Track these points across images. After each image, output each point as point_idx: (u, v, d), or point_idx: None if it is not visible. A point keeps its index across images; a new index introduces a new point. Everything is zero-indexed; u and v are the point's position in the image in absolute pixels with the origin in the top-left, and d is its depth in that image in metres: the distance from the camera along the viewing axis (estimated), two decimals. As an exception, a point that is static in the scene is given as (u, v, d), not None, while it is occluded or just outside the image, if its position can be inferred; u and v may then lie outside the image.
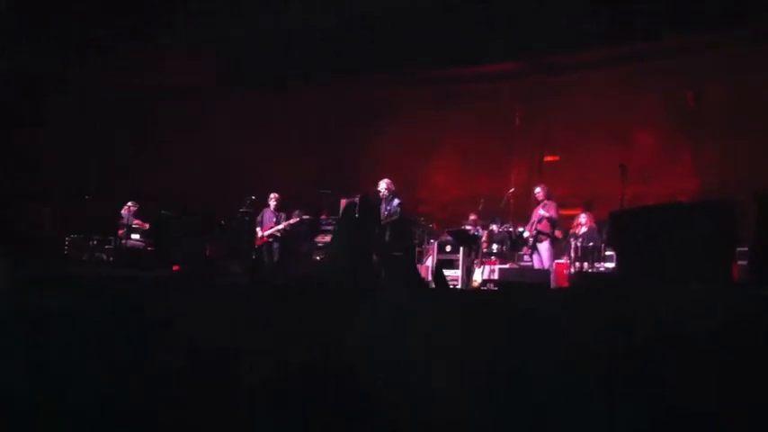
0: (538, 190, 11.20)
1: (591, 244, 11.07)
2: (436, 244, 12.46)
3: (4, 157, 13.12)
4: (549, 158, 13.84)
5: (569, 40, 13.36)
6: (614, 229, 7.93)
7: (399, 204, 10.93)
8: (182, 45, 14.81)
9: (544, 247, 10.80)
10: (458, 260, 11.95)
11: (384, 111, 15.33)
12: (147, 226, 12.53)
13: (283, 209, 12.59)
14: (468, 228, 12.32)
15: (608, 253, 10.82)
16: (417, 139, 15.35)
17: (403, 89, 15.49)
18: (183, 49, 14.92)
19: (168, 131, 15.05)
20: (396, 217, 10.90)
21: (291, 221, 12.36)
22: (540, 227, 10.86)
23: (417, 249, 12.73)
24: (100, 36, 13.74)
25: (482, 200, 12.44)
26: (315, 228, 13.26)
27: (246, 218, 12.98)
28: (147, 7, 13.43)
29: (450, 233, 12.20)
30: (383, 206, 10.96)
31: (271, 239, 12.39)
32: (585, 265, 10.86)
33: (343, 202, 13.48)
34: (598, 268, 10.71)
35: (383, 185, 11.15)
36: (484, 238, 12.04)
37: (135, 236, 12.49)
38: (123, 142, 14.69)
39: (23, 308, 5.40)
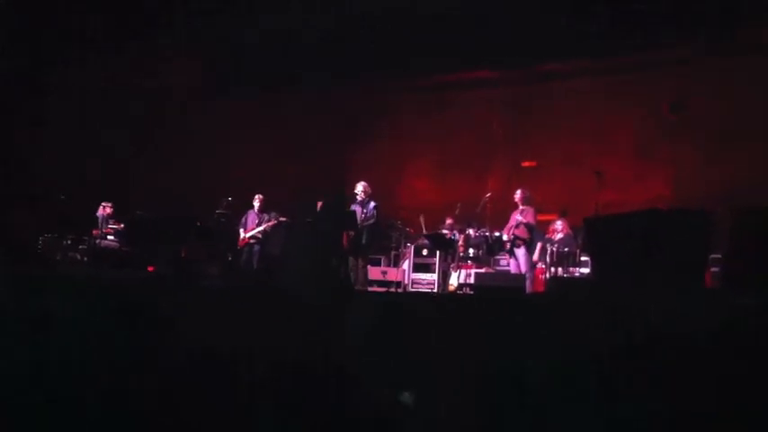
0: (517, 194, 11.24)
1: (566, 249, 11.16)
2: (413, 248, 12.49)
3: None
4: (526, 164, 13.90)
5: (548, 49, 13.44)
6: (589, 234, 7.99)
7: (375, 207, 10.95)
8: (178, 46, 14.70)
9: (521, 252, 10.85)
10: (434, 264, 12.00)
11: (363, 116, 15.35)
12: (121, 226, 12.41)
13: (266, 210, 12.48)
14: (444, 232, 12.35)
15: (583, 258, 10.90)
16: (396, 143, 15.40)
17: (382, 95, 15.51)
18: (179, 49, 14.81)
19: (163, 132, 14.91)
20: (372, 220, 10.94)
21: (272, 223, 12.30)
22: (517, 232, 10.91)
23: (394, 253, 12.75)
24: (97, 36, 13.61)
25: (459, 204, 12.47)
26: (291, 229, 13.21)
27: (222, 219, 12.93)
28: (146, 7, 13.32)
29: (426, 237, 12.24)
30: (360, 209, 10.97)
31: (253, 241, 12.29)
32: (561, 270, 10.94)
33: (320, 204, 13.52)
34: (573, 273, 10.79)
35: (360, 188, 11.18)
36: (460, 243, 12.07)
37: (110, 236, 12.36)
38: (120, 143, 14.54)
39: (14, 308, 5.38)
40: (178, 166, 14.67)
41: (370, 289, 11.05)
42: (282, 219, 12.44)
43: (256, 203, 12.47)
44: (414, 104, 15.38)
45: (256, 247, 12.30)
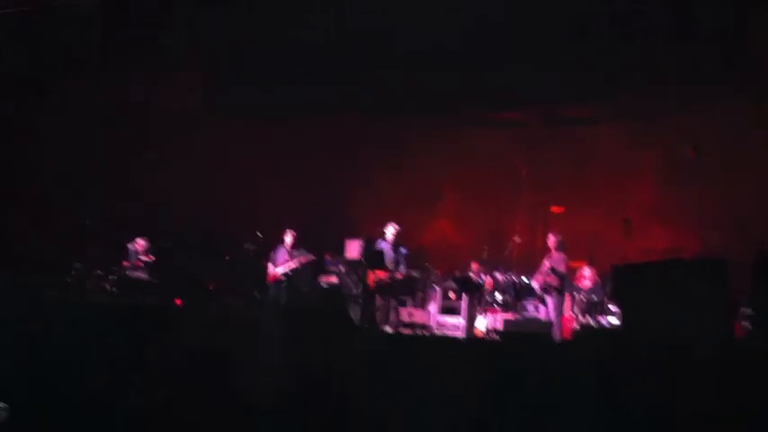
0: (550, 239, 11.23)
1: (595, 298, 11.08)
2: (439, 290, 12.46)
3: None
4: (554, 209, 13.87)
5: (574, 93, 13.52)
6: (617, 283, 7.94)
7: (406, 255, 11.04)
8: (196, 70, 14.86)
9: (551, 299, 10.81)
10: (461, 307, 11.94)
11: (389, 153, 15.39)
12: (152, 259, 12.53)
13: (297, 247, 12.50)
14: (471, 275, 12.33)
15: (611, 307, 10.80)
16: (421, 183, 15.42)
17: (409, 133, 15.57)
18: (197, 73, 14.97)
19: (193, 162, 14.95)
20: (403, 265, 11.04)
21: (302, 260, 12.30)
22: (548, 278, 10.87)
23: (420, 295, 12.72)
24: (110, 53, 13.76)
25: (486, 247, 12.45)
26: (319, 268, 13.25)
27: (251, 254, 13.03)
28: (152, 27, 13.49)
29: (453, 279, 12.22)
30: (390, 250, 11.02)
31: (282, 278, 12.31)
32: (589, 318, 10.85)
33: (347, 242, 13.59)
34: (602, 323, 10.69)
35: (391, 230, 11.23)
36: (488, 287, 12.03)
37: (140, 269, 12.47)
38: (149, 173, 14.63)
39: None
40: (207, 198, 14.75)
41: (392, 330, 11.05)
42: (312, 257, 12.47)
43: (288, 239, 12.48)
44: (439, 144, 15.41)
45: (284, 284, 12.31)
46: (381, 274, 11.12)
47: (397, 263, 11.14)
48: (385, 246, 11.37)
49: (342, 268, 13.13)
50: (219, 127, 14.96)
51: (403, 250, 11.15)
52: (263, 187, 14.93)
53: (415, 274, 12.11)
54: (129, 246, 12.60)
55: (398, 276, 11.27)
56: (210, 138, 14.76)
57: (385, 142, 15.43)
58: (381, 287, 11.16)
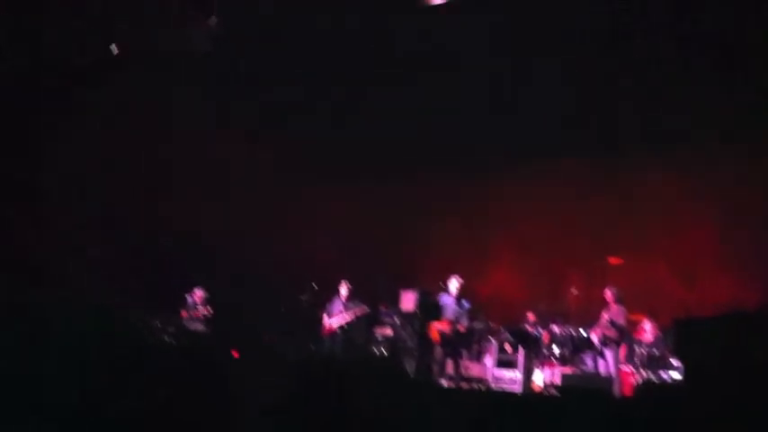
0: (607, 292, 11.07)
1: (656, 352, 10.83)
2: (495, 343, 12.32)
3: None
4: (612, 261, 13.65)
5: (630, 142, 13.41)
6: (680, 337, 7.76)
7: (469, 310, 11.00)
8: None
9: (611, 353, 10.61)
10: (517, 361, 11.77)
11: (443, 204, 15.38)
12: (210, 311, 12.68)
13: (352, 299, 12.53)
14: (528, 328, 12.18)
15: (674, 362, 10.54)
16: (476, 234, 15.34)
17: (464, 183, 15.54)
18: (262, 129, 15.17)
19: (247, 214, 15.11)
20: (465, 319, 10.99)
21: (358, 312, 12.32)
22: (607, 332, 10.69)
23: (476, 347, 12.60)
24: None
25: (542, 300, 12.31)
26: (374, 320, 13.25)
27: (306, 305, 13.10)
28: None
29: (510, 332, 12.09)
30: (453, 303, 11.00)
31: (338, 329, 12.33)
32: (651, 373, 10.60)
33: (402, 294, 13.59)
34: (664, 377, 10.43)
35: (455, 284, 11.21)
36: (545, 339, 11.86)
37: (198, 320, 12.62)
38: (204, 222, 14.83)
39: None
40: (264, 250, 14.89)
41: (448, 383, 10.96)
42: (367, 309, 12.48)
43: (343, 291, 12.53)
44: (494, 196, 15.35)
45: (340, 336, 12.31)
46: (445, 327, 11.05)
47: (459, 316, 11.09)
48: (448, 299, 11.33)
49: (397, 320, 13.13)
50: (278, 180, 15.17)
51: (466, 304, 11.15)
52: (320, 238, 15.04)
53: (479, 325, 12.04)
54: (188, 296, 12.78)
55: (461, 329, 11.19)
56: (269, 190, 14.95)
57: (440, 194, 15.45)
58: (445, 340, 11.08)
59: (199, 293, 12.84)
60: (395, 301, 13.66)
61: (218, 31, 11.94)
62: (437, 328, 11.17)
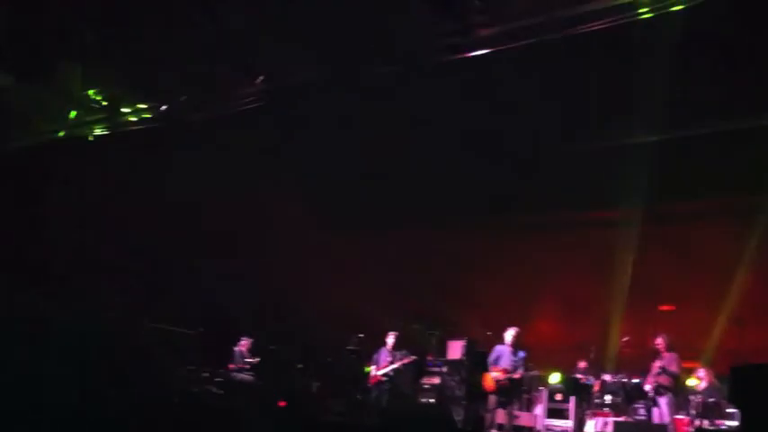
0: (659, 340, 10.87)
1: (712, 400, 10.57)
2: (546, 391, 12.14)
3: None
4: (663, 308, 13.41)
5: (679, 190, 13.25)
6: (737, 385, 7.56)
7: (524, 359, 10.89)
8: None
9: (664, 401, 10.38)
10: (568, 410, 11.58)
11: (490, 253, 15.32)
12: (256, 360, 12.74)
13: (398, 348, 12.48)
14: (579, 376, 11.99)
15: (730, 410, 10.26)
16: (523, 282, 15.20)
17: (510, 233, 15.48)
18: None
19: (292, 267, 15.22)
20: (521, 370, 10.90)
21: (405, 361, 12.24)
22: (660, 379, 10.48)
23: (526, 396, 12.42)
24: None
25: (593, 347, 12.14)
26: (420, 369, 13.16)
27: (353, 356, 13.07)
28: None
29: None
30: (509, 354, 10.90)
31: (384, 379, 12.26)
32: (706, 422, 10.33)
33: (449, 343, 13.52)
34: (720, 426, 10.16)
35: (511, 333, 11.14)
36: (596, 388, 11.65)
37: (245, 371, 12.68)
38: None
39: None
40: (310, 300, 14.95)
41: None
42: (414, 358, 12.42)
43: (390, 340, 12.47)
44: (541, 243, 15.24)
45: (387, 386, 12.23)
46: (500, 375, 10.93)
47: (515, 366, 10.98)
48: (504, 348, 11.22)
49: (444, 369, 13.03)
50: (324, 231, 15.28)
51: (521, 353, 11.00)
52: (365, 289, 15.04)
53: (535, 373, 11.91)
54: (236, 348, 12.87)
55: (517, 377, 11.05)
56: (315, 241, 15.07)
57: (486, 245, 15.39)
58: (500, 388, 10.94)
59: (245, 343, 12.91)
60: (441, 350, 13.58)
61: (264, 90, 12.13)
62: (492, 376, 11.05)
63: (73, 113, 12.23)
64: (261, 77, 11.28)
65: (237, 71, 11.30)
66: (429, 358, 13.35)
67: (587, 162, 13.02)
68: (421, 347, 13.32)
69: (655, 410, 10.64)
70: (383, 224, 15.17)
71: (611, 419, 11.02)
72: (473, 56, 9.47)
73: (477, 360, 12.37)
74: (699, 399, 10.63)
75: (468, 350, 13.07)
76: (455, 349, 13.37)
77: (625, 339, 11.86)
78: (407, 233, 15.39)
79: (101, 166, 12.86)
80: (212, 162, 13.54)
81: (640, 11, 8.36)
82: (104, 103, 11.91)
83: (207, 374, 12.62)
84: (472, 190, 14.12)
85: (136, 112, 12.08)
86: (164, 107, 11.99)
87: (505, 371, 10.91)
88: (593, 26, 8.45)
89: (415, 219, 14.97)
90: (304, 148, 13.45)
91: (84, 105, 12.06)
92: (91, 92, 11.80)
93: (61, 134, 12.60)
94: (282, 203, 14.43)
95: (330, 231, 15.31)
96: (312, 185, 14.77)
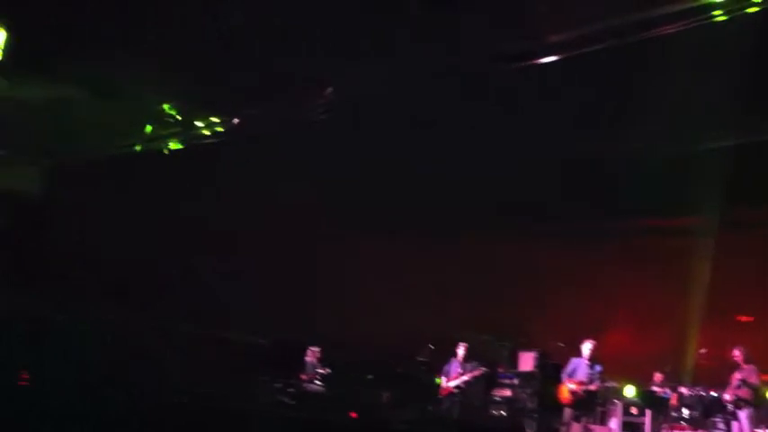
0: (736, 352, 10.55)
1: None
2: (621, 405, 11.89)
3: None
4: (741, 319, 13.04)
5: (756, 196, 12.88)
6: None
7: (600, 372, 10.70)
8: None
9: (744, 414, 10.08)
10: (644, 424, 11.34)
11: (563, 263, 15.12)
12: (327, 371, 12.82)
13: (469, 360, 12.39)
14: (655, 389, 11.74)
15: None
16: (598, 293, 14.96)
17: (582, 242, 15.27)
18: None
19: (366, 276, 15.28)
20: (597, 382, 10.80)
21: (476, 373, 12.15)
22: (739, 392, 10.17)
23: (600, 409, 12.19)
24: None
25: (669, 359, 11.87)
26: (491, 381, 13.05)
27: (423, 367, 13.06)
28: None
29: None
30: (586, 368, 10.76)
31: (455, 390, 12.20)
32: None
33: (521, 355, 13.39)
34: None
35: (588, 347, 11.00)
36: (673, 401, 11.37)
37: (317, 381, 12.78)
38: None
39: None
40: (380, 311, 14.96)
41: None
42: (485, 370, 12.32)
43: (461, 352, 12.38)
44: (615, 252, 14.98)
45: (457, 397, 12.16)
46: (577, 387, 10.76)
47: (591, 380, 10.81)
48: (580, 361, 11.06)
49: (516, 381, 12.91)
50: (395, 245, 15.32)
51: (598, 367, 10.83)
52: (436, 300, 15.02)
53: (612, 384, 11.71)
54: (307, 359, 12.97)
55: (593, 389, 10.86)
56: (386, 254, 15.11)
57: (560, 255, 15.19)
58: (576, 400, 10.77)
59: (314, 351, 13.01)
60: (513, 362, 13.45)
61: (332, 102, 12.25)
62: (569, 388, 10.88)
63: (149, 128, 12.66)
64: (330, 88, 11.44)
65: (306, 82, 11.46)
66: (500, 370, 13.25)
67: (662, 168, 12.77)
68: (492, 359, 13.19)
69: (734, 424, 10.35)
70: (455, 232, 15.12)
71: (688, 434, 10.76)
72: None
73: (550, 372, 12.25)
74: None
75: (541, 362, 12.96)
76: (527, 361, 13.24)
77: (702, 351, 11.52)
78: (479, 241, 15.30)
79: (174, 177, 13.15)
80: (274, 173, 13.79)
81: (714, 13, 8.22)
82: (179, 118, 12.28)
83: (279, 385, 12.76)
84: (544, 198, 13.98)
85: (209, 125, 12.41)
86: (235, 120, 12.25)
87: (582, 383, 10.74)
88: (665, 30, 8.33)
89: (486, 227, 14.89)
90: (367, 156, 13.57)
91: (160, 120, 12.46)
92: (166, 106, 12.17)
93: (138, 148, 13.02)
94: (350, 212, 14.57)
95: (400, 240, 15.36)
96: (379, 193, 14.88)
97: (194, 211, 13.54)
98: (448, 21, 9.47)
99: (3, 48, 10.74)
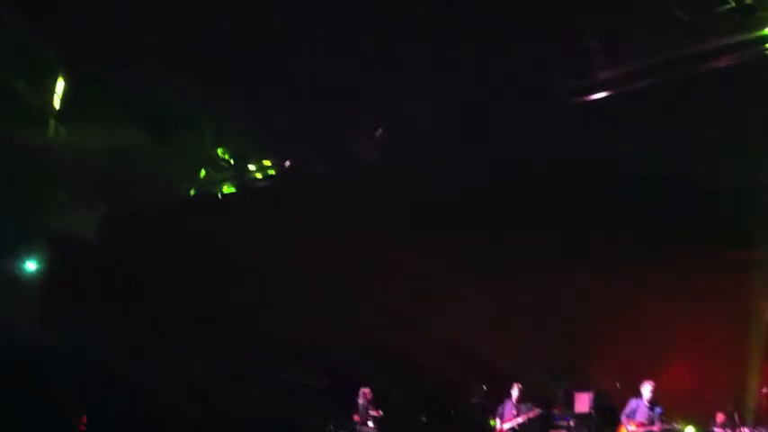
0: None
1: None
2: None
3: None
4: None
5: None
6: None
7: (661, 414, 10.60)
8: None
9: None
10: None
11: (620, 303, 14.87)
12: (380, 413, 12.72)
13: (524, 401, 12.21)
14: (716, 430, 11.46)
15: None
16: (653, 328, 14.65)
17: (640, 278, 14.99)
18: None
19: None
20: (659, 425, 10.71)
21: (531, 415, 11.95)
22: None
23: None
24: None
25: (731, 399, 11.58)
26: (546, 422, 12.84)
27: (477, 408, 12.90)
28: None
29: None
30: (646, 409, 10.56)
31: (510, 432, 12.01)
32: None
33: (577, 395, 13.15)
34: None
35: (648, 388, 10.83)
36: (736, 443, 11.09)
37: (370, 423, 12.67)
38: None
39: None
40: (435, 352, 14.83)
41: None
42: (540, 411, 12.12)
43: (515, 393, 12.20)
44: (673, 288, 14.68)
45: (511, 439, 11.98)
46: (638, 428, 10.55)
47: (651, 421, 10.62)
48: (641, 403, 10.88)
49: (572, 423, 12.67)
50: (447, 281, 15.25)
51: (658, 409, 10.65)
52: (489, 340, 14.85)
53: (675, 426, 11.44)
54: (360, 400, 12.89)
55: (656, 430, 10.66)
56: (439, 292, 15.06)
57: (613, 292, 14.97)
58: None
59: (367, 392, 12.91)
60: (569, 403, 13.20)
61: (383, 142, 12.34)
62: (629, 430, 10.68)
63: (203, 172, 12.90)
64: (379, 130, 11.55)
65: (358, 124, 11.60)
66: (556, 411, 13.02)
67: (722, 200, 12.60)
68: (547, 400, 12.97)
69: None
70: (511, 269, 14.98)
71: (751, 476, 10.45)
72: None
73: (607, 414, 12.03)
74: None
75: (597, 403, 12.69)
76: (582, 402, 12.98)
77: (766, 390, 11.22)
78: (536, 278, 15.13)
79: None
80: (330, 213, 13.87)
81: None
82: (232, 162, 12.50)
83: (331, 428, 12.69)
84: (603, 234, 13.84)
85: (261, 168, 12.59)
86: (287, 163, 12.41)
87: (642, 424, 10.53)
88: (721, 62, 8.31)
89: (542, 263, 14.74)
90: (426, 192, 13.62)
91: (214, 164, 12.69)
92: (219, 150, 12.41)
93: (192, 192, 13.25)
94: (407, 247, 14.58)
95: (457, 275, 15.27)
96: (441, 228, 14.87)
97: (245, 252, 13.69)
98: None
99: (62, 96, 11.08)
